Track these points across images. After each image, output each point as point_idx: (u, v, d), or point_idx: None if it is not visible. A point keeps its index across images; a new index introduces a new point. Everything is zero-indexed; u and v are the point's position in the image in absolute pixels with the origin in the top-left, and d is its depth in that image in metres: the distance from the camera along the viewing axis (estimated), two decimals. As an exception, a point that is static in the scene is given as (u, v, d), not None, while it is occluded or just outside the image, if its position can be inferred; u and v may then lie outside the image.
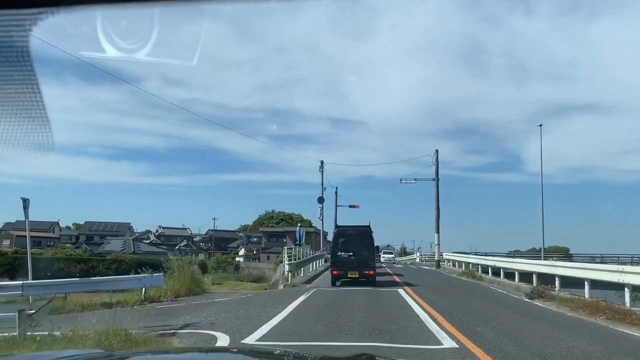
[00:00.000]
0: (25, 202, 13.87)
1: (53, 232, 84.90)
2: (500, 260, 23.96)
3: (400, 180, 41.97)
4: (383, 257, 45.45)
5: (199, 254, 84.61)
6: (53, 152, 2.11)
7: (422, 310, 11.88)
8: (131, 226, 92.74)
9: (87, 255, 58.59)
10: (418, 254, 62.41)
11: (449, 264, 36.43)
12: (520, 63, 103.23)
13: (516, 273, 20.15)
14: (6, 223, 79.84)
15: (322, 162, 47.10)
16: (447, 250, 39.97)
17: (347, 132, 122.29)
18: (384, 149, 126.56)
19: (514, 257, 35.67)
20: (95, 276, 21.83)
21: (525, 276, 19.87)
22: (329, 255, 28.08)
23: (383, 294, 16.01)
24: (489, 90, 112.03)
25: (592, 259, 43.94)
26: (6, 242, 68.32)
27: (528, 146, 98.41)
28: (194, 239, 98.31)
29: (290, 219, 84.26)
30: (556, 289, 15.66)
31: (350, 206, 52.35)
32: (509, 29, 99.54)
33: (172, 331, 9.28)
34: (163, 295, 15.63)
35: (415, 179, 41.47)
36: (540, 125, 36.70)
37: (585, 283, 13.93)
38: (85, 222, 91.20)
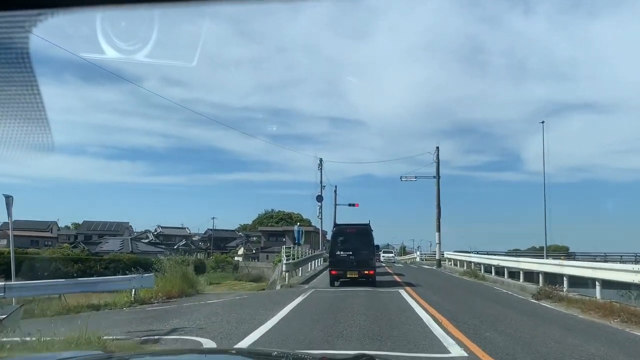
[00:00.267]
0: (8, 200, 13.18)
1: (51, 232, 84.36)
2: (504, 259, 23.27)
3: (401, 177, 41.34)
4: (383, 256, 44.38)
5: (198, 254, 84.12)
6: (53, 153, 2.11)
7: (425, 313, 11.22)
8: (130, 226, 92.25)
9: (84, 255, 57.99)
10: (418, 253, 61.73)
11: (450, 263, 35.75)
12: (520, 62, 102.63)
13: (521, 273, 19.48)
14: (4, 223, 79.31)
15: (320, 160, 46.42)
16: (446, 249, 39.31)
17: (347, 131, 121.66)
18: (384, 148, 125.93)
19: (517, 256, 34.98)
20: (92, 276, 21.19)
21: (528, 276, 19.25)
22: (329, 255, 28.03)
23: (383, 295, 15.34)
24: (489, 90, 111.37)
25: (592, 258, 43.27)
26: (3, 242, 67.71)
27: (528, 145, 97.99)
28: (193, 239, 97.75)
29: (289, 218, 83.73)
30: (564, 290, 15.00)
31: (350, 205, 51.68)
32: (508, 28, 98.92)
33: (157, 337, 8.61)
34: (154, 296, 14.96)
35: (416, 177, 40.86)
36: (543, 122, 35.99)
37: (597, 284, 13.26)
38: (84, 221, 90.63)
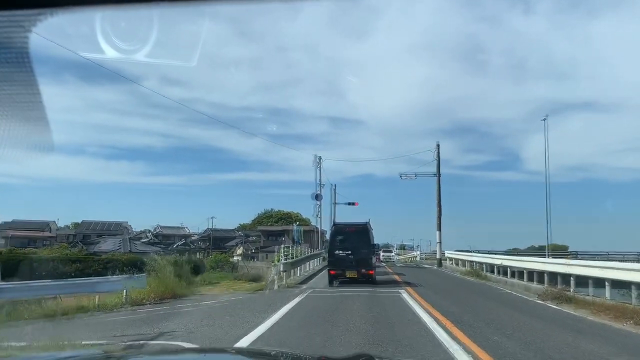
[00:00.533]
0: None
1: (49, 232, 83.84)
2: (508, 259, 22.70)
3: (400, 175, 40.75)
4: (383, 255, 42.89)
5: (197, 253, 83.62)
6: (52, 152, 2.09)
7: (428, 316, 10.67)
8: (128, 225, 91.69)
9: (82, 254, 57.44)
10: (418, 252, 61.09)
11: (450, 262, 35.17)
12: (520, 62, 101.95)
13: (525, 273, 18.93)
14: (3, 222, 78.74)
15: (318, 157, 45.85)
16: (445, 248, 38.67)
17: (346, 131, 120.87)
18: (383, 148, 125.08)
19: (518, 255, 34.37)
20: (90, 276, 20.60)
21: (532, 275, 18.69)
22: (327, 254, 27.80)
23: (383, 296, 14.79)
24: (489, 89, 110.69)
25: (592, 257, 42.72)
26: (1, 242, 67.22)
27: (527, 144, 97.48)
28: (192, 238, 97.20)
29: (288, 218, 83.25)
30: (571, 290, 14.46)
31: (349, 203, 51.19)
32: (508, 27, 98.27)
33: (142, 342, 8.07)
34: (146, 297, 14.40)
35: (416, 174, 40.30)
36: (545, 119, 35.40)
37: (606, 284, 12.72)
38: (82, 221, 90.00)
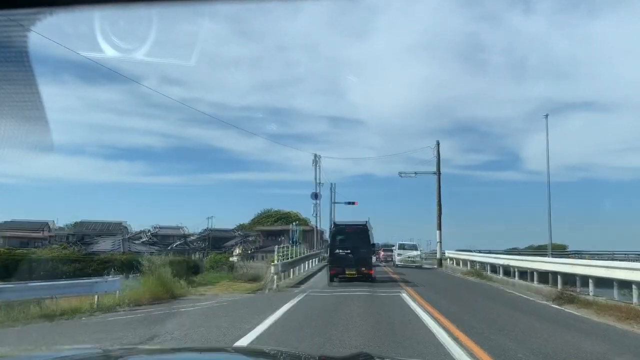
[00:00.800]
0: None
1: (46, 232, 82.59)
2: (513, 258, 21.36)
3: (400, 174, 39.42)
4: (399, 253, 35.48)
5: (195, 253, 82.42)
6: (52, 152, 2.13)
7: (433, 321, 9.37)
8: (126, 225, 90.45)
9: (77, 255, 56.19)
10: (418, 251, 59.59)
11: (451, 262, 33.86)
12: (520, 61, 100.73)
13: (529, 273, 17.61)
14: (3, 222, 77.56)
15: (317, 156, 44.53)
16: (445, 248, 37.38)
17: (346, 131, 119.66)
18: (383, 147, 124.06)
19: (517, 254, 33.06)
20: (88, 276, 19.42)
21: (536, 276, 17.42)
22: (326, 254, 27.80)
23: (383, 298, 13.48)
24: (488, 89, 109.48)
25: (593, 257, 41.36)
26: (-1, 242, 65.97)
27: (527, 144, 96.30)
28: (190, 238, 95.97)
29: (287, 218, 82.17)
30: (590, 293, 13.14)
31: (348, 203, 50.02)
32: (508, 27, 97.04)
33: (129, 346, 6.77)
34: (120, 303, 13.06)
35: (415, 173, 38.97)
36: (547, 116, 34.03)
37: (633, 287, 11.39)
38: (78, 222, 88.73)
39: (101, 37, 4.28)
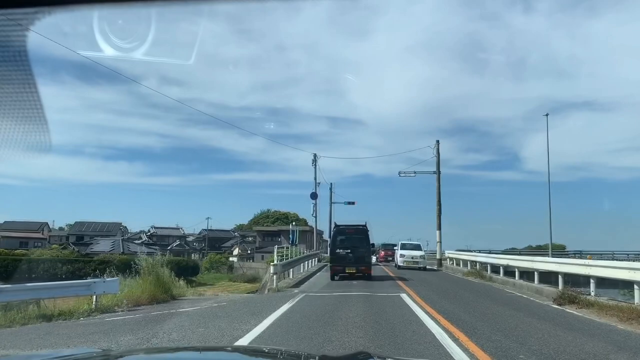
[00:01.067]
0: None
1: (43, 233, 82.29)
2: (515, 258, 21.28)
3: (399, 173, 39.19)
4: (401, 253, 31.19)
5: (193, 254, 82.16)
6: (50, 153, 2.09)
7: (435, 325, 9.25)
8: (123, 226, 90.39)
9: (74, 256, 55.92)
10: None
11: (451, 262, 33.75)
12: (519, 61, 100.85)
13: (536, 273, 17.52)
14: (5, 222, 77.28)
15: (315, 155, 44.42)
16: (444, 248, 37.22)
17: (346, 131, 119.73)
18: (383, 147, 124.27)
19: (517, 254, 32.99)
20: (81, 278, 19.30)
21: (541, 277, 17.34)
22: (325, 254, 29.58)
23: (383, 300, 13.37)
24: (488, 89, 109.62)
25: (591, 256, 41.28)
26: (-4, 242, 65.71)
27: (526, 144, 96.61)
28: (188, 239, 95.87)
29: (285, 218, 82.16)
30: (591, 294, 13.07)
31: (348, 203, 49.85)
32: (508, 26, 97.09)
33: None
34: (118, 303, 12.97)
35: (415, 172, 38.79)
36: (547, 115, 34.04)
37: (635, 287, 11.32)
38: (76, 222, 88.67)
39: (100, 36, 4.24)
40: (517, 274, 19.64)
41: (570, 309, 12.05)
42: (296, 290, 16.76)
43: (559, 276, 15.29)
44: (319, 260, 36.28)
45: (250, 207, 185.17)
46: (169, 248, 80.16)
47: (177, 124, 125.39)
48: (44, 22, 1.63)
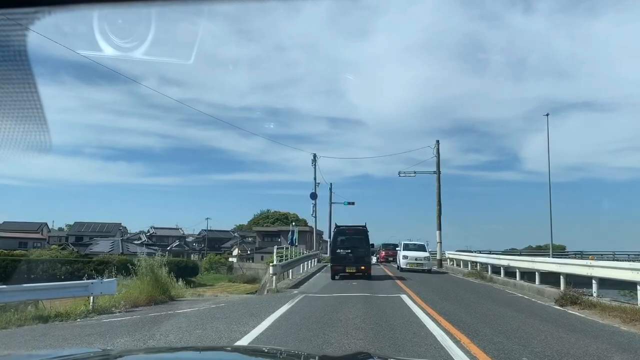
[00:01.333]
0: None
1: (41, 233, 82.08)
2: (516, 259, 21.16)
3: (399, 173, 39.01)
4: (404, 255, 28.68)
5: (192, 254, 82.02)
6: (50, 153, 2.05)
7: (436, 326, 9.13)
8: (123, 226, 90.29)
9: (73, 256, 55.75)
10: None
11: (451, 263, 33.61)
12: (519, 61, 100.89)
13: (537, 274, 17.40)
14: (4, 222, 77.11)
15: (314, 155, 44.28)
16: (444, 248, 37.06)
17: (345, 131, 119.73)
18: (383, 148, 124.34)
19: (517, 255, 32.86)
20: (80, 279, 19.17)
21: (543, 278, 17.21)
22: (325, 255, 30.13)
23: (383, 301, 13.24)
24: (488, 89, 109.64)
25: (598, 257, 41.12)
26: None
27: (526, 144, 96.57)
28: (187, 240, 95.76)
29: (285, 219, 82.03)
30: (594, 294, 12.94)
31: (348, 203, 49.69)
32: (508, 26, 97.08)
33: None
34: (116, 304, 12.83)
35: (415, 172, 38.64)
36: (547, 115, 33.91)
37: (638, 288, 11.19)
38: (75, 222, 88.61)
39: (100, 36, 4.21)
40: (518, 274, 19.54)
41: (572, 310, 11.93)
42: (295, 291, 16.63)
43: (561, 277, 15.16)
44: (318, 261, 36.13)
45: (250, 207, 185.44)
46: (168, 248, 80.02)
47: (177, 124, 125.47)
48: (44, 22, 1.63)
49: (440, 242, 37.51)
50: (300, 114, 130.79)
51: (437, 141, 37.89)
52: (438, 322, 9.57)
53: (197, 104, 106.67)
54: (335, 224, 25.75)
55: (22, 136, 1.87)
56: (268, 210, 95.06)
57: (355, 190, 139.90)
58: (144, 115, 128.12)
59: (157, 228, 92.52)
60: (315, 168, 43.74)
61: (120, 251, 63.90)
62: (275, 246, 27.84)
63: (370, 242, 23.45)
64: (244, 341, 7.75)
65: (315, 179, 43.77)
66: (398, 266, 29.28)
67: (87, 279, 13.44)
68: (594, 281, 13.15)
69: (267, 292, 17.41)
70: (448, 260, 34.87)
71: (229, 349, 4.40)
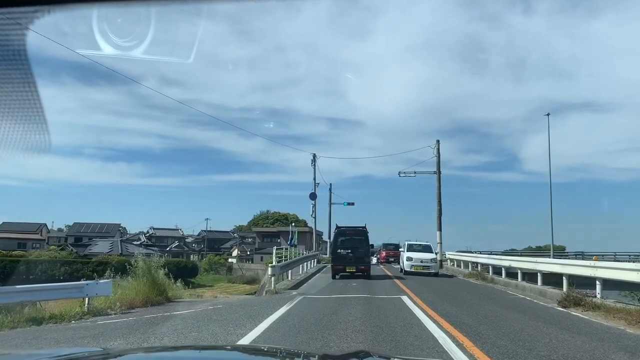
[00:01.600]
0: None
1: (40, 234, 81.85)
2: (518, 260, 20.96)
3: (399, 173, 38.86)
4: (408, 256, 26.15)
5: (192, 255, 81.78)
6: (50, 153, 2.08)
7: (438, 328, 8.92)
8: (122, 227, 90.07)
9: (72, 257, 55.52)
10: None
11: (451, 263, 33.38)
12: (519, 61, 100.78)
13: (539, 275, 17.18)
14: (3, 222, 76.94)
15: (314, 155, 44.07)
16: (444, 249, 36.83)
17: (345, 131, 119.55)
18: (382, 149, 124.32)
19: (521, 255, 32.65)
20: (79, 279, 18.98)
21: (545, 278, 17.01)
22: (324, 255, 31.35)
23: (384, 303, 13.02)
24: (488, 89, 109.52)
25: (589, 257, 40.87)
26: (-9, 243, 65.28)
27: (526, 145, 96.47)
28: (187, 240, 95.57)
29: (285, 219, 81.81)
30: (598, 296, 12.72)
31: (348, 203, 49.48)
32: (507, 27, 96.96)
33: None
34: (111, 306, 12.61)
35: (415, 172, 38.48)
36: (548, 114, 33.68)
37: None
38: (74, 223, 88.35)
39: (99, 35, 4.22)
40: (519, 275, 19.32)
41: (575, 312, 11.72)
42: (294, 292, 16.41)
43: (563, 278, 14.93)
44: (318, 262, 35.88)
45: (249, 208, 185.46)
46: (167, 249, 79.83)
47: (177, 125, 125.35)
48: (43, 21, 1.62)
49: (441, 243, 37.34)
50: (300, 114, 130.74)
51: (438, 140, 37.78)
52: (440, 325, 9.36)
53: (197, 104, 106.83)
54: (336, 224, 25.83)
55: (22, 136, 1.86)
56: (268, 211, 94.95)
57: (355, 191, 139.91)
58: (143, 115, 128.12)
59: (156, 229, 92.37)
60: (314, 168, 43.58)
61: (120, 252, 63.66)
62: (275, 247, 27.62)
63: (370, 243, 23.89)
64: (246, 340, 7.56)
65: (314, 179, 43.59)
66: (401, 269, 27.21)
67: (86, 279, 13.26)
68: (597, 282, 12.93)
69: (266, 293, 17.18)
70: (448, 261, 34.65)
71: (229, 347, 4.40)
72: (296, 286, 19.01)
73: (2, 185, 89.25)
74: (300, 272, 25.73)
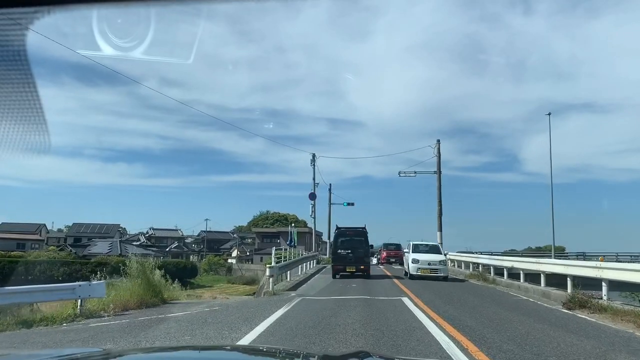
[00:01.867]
0: None
1: (40, 234, 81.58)
2: (520, 260, 20.63)
3: (399, 173, 38.63)
4: (414, 258, 22.81)
5: (191, 256, 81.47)
6: (49, 154, 2.03)
7: (440, 332, 8.59)
8: (122, 227, 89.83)
9: (71, 257, 55.21)
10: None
11: (452, 264, 33.03)
12: (519, 62, 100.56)
13: (542, 276, 16.86)
14: (3, 223, 76.67)
15: (314, 155, 43.75)
16: (444, 249, 36.43)
17: (345, 132, 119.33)
18: (382, 149, 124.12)
19: (522, 256, 32.30)
20: (78, 280, 18.69)
21: (548, 280, 16.70)
22: (324, 256, 31.83)
23: (384, 305, 12.69)
24: (488, 90, 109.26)
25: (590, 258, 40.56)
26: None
27: (526, 146, 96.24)
28: (186, 241, 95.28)
29: (284, 220, 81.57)
30: (604, 297, 12.40)
31: (348, 204, 49.17)
32: (507, 27, 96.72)
33: None
34: (105, 308, 12.29)
35: (415, 172, 38.24)
36: (549, 114, 33.40)
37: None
38: (73, 224, 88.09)
39: (99, 35, 4.20)
40: (521, 276, 19.01)
41: (581, 314, 11.40)
42: (293, 294, 16.08)
43: (568, 279, 14.61)
44: (317, 262, 35.58)
45: (249, 208, 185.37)
46: (167, 250, 79.57)
47: (177, 126, 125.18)
48: (43, 22, 1.63)
49: (441, 243, 37.00)
50: (300, 114, 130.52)
51: (438, 140, 37.58)
52: (442, 328, 9.03)
53: (197, 105, 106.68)
54: (336, 225, 25.87)
55: (22, 137, 1.86)
56: (267, 212, 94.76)
57: (355, 191, 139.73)
58: (143, 116, 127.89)
59: (156, 229, 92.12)
60: (314, 168, 43.26)
61: (119, 252, 63.35)
62: (274, 247, 27.32)
63: (370, 243, 24.15)
64: (243, 343, 7.21)
65: (314, 179, 43.29)
66: (406, 272, 24.06)
67: (84, 280, 12.96)
68: (603, 283, 12.61)
69: (264, 294, 16.86)
70: (449, 261, 34.29)
71: (228, 347, 4.39)
72: (295, 287, 18.69)
73: (2, 185, 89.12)
74: (300, 273, 25.43)
